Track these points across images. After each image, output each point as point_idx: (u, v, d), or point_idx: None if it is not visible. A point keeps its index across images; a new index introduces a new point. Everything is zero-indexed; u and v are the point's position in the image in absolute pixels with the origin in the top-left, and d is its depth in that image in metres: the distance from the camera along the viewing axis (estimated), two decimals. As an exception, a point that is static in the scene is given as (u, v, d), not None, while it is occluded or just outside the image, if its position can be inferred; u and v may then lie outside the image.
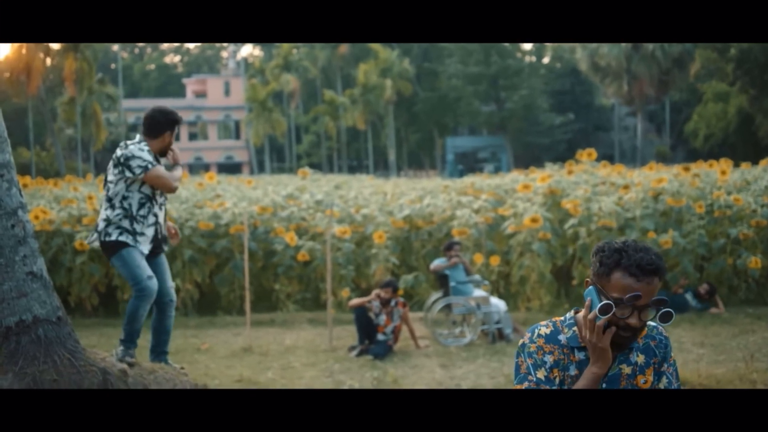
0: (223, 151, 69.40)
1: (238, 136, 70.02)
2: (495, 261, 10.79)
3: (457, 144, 65.32)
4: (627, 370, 2.38)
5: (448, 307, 9.36)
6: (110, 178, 5.91)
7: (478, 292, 9.43)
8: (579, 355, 2.36)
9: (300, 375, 7.81)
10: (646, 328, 2.44)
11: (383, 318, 8.81)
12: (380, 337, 8.73)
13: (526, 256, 10.78)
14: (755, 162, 19.54)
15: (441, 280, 9.58)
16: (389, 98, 58.61)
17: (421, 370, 7.95)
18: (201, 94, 71.61)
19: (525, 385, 2.36)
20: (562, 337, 2.40)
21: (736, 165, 19.08)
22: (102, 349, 5.38)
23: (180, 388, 5.37)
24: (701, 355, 8.36)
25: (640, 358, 2.40)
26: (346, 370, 7.96)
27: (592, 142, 57.16)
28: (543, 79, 62.25)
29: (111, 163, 5.95)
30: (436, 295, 9.80)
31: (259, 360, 8.43)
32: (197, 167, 62.63)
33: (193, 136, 70.27)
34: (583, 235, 10.88)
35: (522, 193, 12.07)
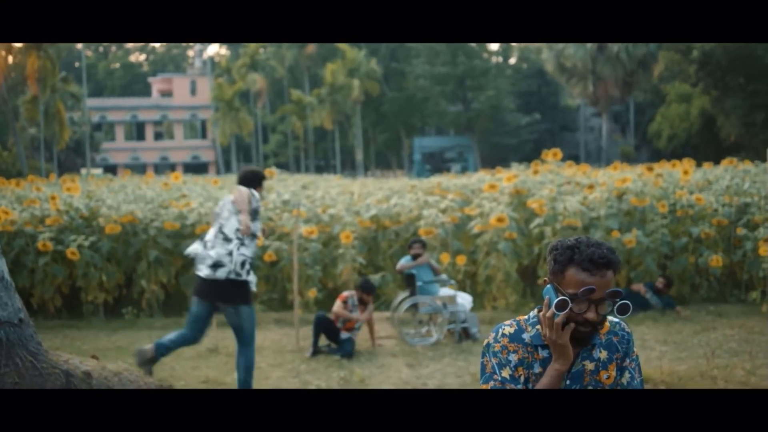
0: (189, 150, 68.86)
1: (204, 136, 69.51)
2: (461, 260, 10.84)
3: (424, 144, 65.49)
4: (590, 366, 2.40)
5: (414, 307, 9.39)
6: (225, 215, 6.56)
7: (445, 292, 9.48)
8: (543, 353, 2.39)
9: (266, 375, 7.79)
10: (609, 325, 2.47)
11: (357, 314, 8.83)
12: (344, 335, 8.73)
13: (492, 256, 10.86)
14: (717, 162, 19.87)
15: (407, 280, 9.60)
16: (356, 98, 58.59)
17: (387, 370, 7.97)
18: (167, 93, 70.97)
19: (490, 385, 2.38)
20: (525, 336, 2.42)
21: (699, 165, 19.41)
22: (65, 351, 5.31)
23: (144, 389, 5.33)
24: (664, 353, 8.48)
25: (603, 354, 2.42)
26: (312, 371, 7.96)
27: (558, 143, 57.72)
28: (510, 80, 62.65)
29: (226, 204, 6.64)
30: (402, 294, 9.82)
31: (225, 361, 8.39)
32: (163, 167, 62.19)
33: (158, 136, 69.64)
34: (548, 235, 10.98)
35: (488, 193, 12.14)
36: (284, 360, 8.43)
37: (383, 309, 10.92)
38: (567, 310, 2.27)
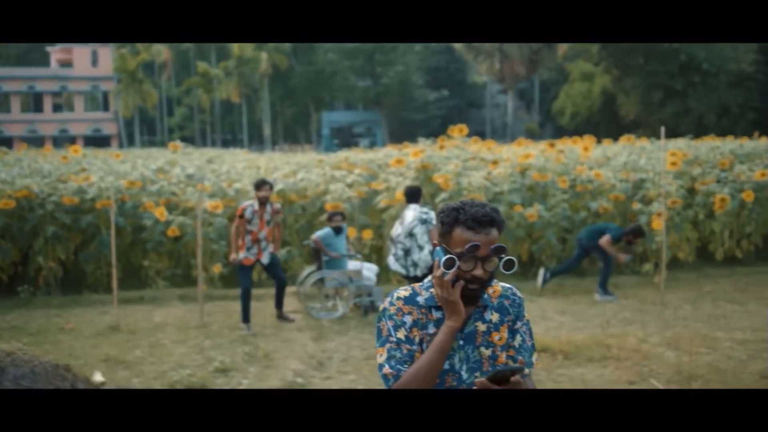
0: (90, 123, 66.53)
1: (106, 108, 67.25)
2: (368, 235, 10.89)
3: (332, 119, 65.21)
4: (482, 327, 2.47)
5: (320, 281, 9.39)
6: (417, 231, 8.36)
7: (351, 266, 9.51)
8: (437, 314, 2.45)
9: (170, 352, 7.67)
10: (500, 289, 2.55)
11: (257, 223, 8.63)
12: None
13: (398, 230, 10.93)
14: (616, 139, 20.49)
15: (315, 254, 9.59)
16: (265, 71, 57.82)
17: (293, 344, 7.96)
18: (66, 64, 68.23)
19: (387, 347, 2.42)
20: (420, 299, 2.48)
21: (599, 142, 20.00)
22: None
23: (40, 369, 5.17)
24: (562, 323, 8.76)
25: (495, 317, 2.50)
26: (217, 347, 7.88)
27: (465, 119, 58.37)
28: (418, 56, 62.85)
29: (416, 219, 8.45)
30: (309, 269, 9.81)
31: (126, 338, 8.23)
32: (62, 140, 59.88)
33: (57, 108, 66.95)
34: (453, 209, 11.12)
35: (395, 168, 12.21)
36: (188, 336, 8.32)
37: (290, 283, 10.88)
38: (455, 269, 2.35)
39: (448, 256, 2.36)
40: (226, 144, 61.76)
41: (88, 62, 67.05)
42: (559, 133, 48.10)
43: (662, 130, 10.50)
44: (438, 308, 2.45)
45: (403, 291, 2.51)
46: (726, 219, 11.98)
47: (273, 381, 6.69)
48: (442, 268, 2.36)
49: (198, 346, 7.90)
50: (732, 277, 11.46)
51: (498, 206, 11.04)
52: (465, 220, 2.37)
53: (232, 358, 7.42)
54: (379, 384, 6.76)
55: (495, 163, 12.52)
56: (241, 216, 8.54)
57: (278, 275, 8.92)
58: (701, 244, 12.47)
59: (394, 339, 2.42)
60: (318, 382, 6.79)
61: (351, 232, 10.72)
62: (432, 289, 2.48)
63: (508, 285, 2.59)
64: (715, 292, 10.40)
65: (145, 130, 67.36)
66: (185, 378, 6.57)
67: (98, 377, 6.56)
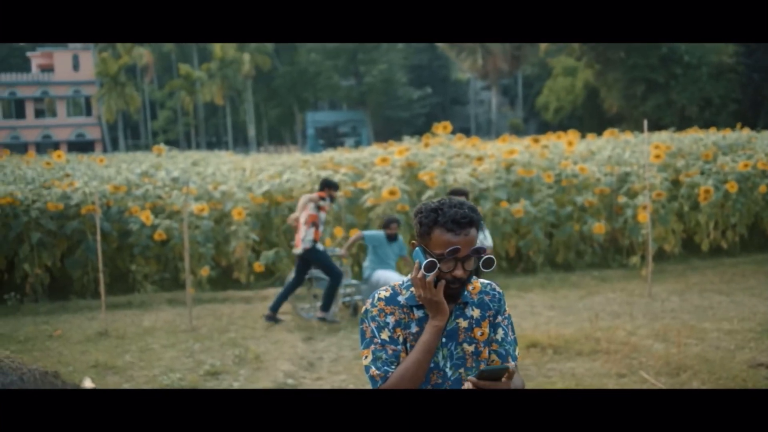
0: (73, 128, 66.06)
1: (89, 113, 66.77)
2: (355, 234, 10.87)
3: (317, 119, 65.12)
4: (464, 324, 2.50)
5: (309, 282, 9.38)
6: None
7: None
8: (418, 313, 2.47)
9: (159, 356, 7.65)
10: (480, 285, 2.59)
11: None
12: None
13: (385, 229, 10.94)
14: (600, 133, 20.57)
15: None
16: (247, 73, 57.64)
17: (282, 345, 7.95)
18: (47, 69, 67.72)
19: (372, 348, 2.44)
20: (401, 299, 2.50)
21: (583, 136, 20.08)
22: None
23: (29, 376, 5.14)
24: (551, 318, 8.79)
25: (476, 312, 2.52)
26: (206, 350, 7.86)
27: (450, 116, 58.52)
28: (401, 54, 62.84)
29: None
30: (297, 270, 9.78)
31: (116, 344, 8.19)
32: (45, 146, 59.48)
33: (40, 113, 66.46)
34: (439, 207, 11.15)
35: (380, 167, 12.22)
36: (177, 340, 8.29)
37: (278, 285, 10.87)
38: (435, 271, 2.38)
39: (429, 259, 2.38)
40: (210, 146, 61.53)
41: (69, 67, 66.59)
42: (544, 128, 48.21)
43: (645, 123, 10.56)
44: (419, 307, 2.47)
45: (384, 291, 2.53)
46: (710, 210, 12.06)
47: (264, 383, 6.68)
48: (422, 271, 2.38)
49: (188, 350, 7.88)
50: (718, 268, 11.53)
51: (484, 202, 11.14)
52: (444, 222, 2.38)
53: (222, 360, 7.40)
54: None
55: (480, 159, 12.54)
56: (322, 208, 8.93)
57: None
58: (687, 236, 12.55)
59: (379, 340, 2.44)
60: (309, 383, 6.79)
61: (338, 231, 10.73)
62: (412, 289, 2.49)
63: (486, 281, 2.63)
64: (701, 284, 10.47)
65: (128, 134, 66.98)
66: (176, 382, 6.56)
67: (88, 383, 6.53)
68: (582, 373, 6.62)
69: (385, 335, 2.44)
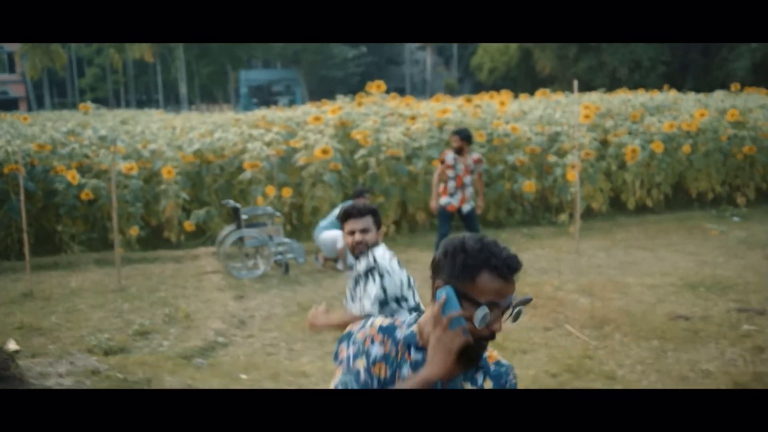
0: (-5, 85, 63.85)
1: (12, 70, 64.49)
2: (287, 193, 10.83)
3: (250, 77, 64.22)
4: (469, 388, 2.08)
5: (240, 240, 9.33)
6: None
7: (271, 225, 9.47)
8: (416, 356, 2.03)
9: (87, 317, 7.53)
10: (497, 356, 2.18)
11: (461, 168, 8.70)
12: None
13: (317, 187, 10.92)
14: (533, 93, 20.77)
15: (234, 213, 9.51)
16: (179, 29, 56.28)
17: (213, 304, 7.91)
18: (-34, 23, 65.11)
19: (342, 369, 2.07)
20: (398, 333, 2.07)
21: (516, 96, 20.23)
22: None
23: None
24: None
25: (488, 384, 2.11)
26: (135, 309, 7.77)
27: (385, 76, 58.24)
28: (336, 12, 62.19)
29: None
30: (228, 228, 9.72)
31: (41, 305, 8.03)
32: (-34, 104, 57.33)
33: (-41, 70, 64.01)
34: (372, 165, 11.16)
35: (313, 125, 12.13)
36: (106, 300, 8.17)
37: (209, 244, 10.77)
38: (486, 322, 1.93)
39: (483, 309, 1.91)
40: (141, 105, 60.12)
41: (-10, 21, 63.96)
42: (478, 88, 48.42)
43: (575, 84, 10.69)
44: (418, 349, 2.03)
45: (384, 319, 2.13)
46: (637, 169, 12.34)
47: (194, 341, 6.64)
48: (452, 313, 1.91)
49: (116, 310, 7.77)
50: (643, 225, 11.86)
51: (417, 161, 11.19)
52: (498, 265, 1.95)
53: (152, 320, 7.33)
54: (307, 346, 6.77)
55: (413, 118, 12.55)
56: (443, 161, 8.73)
57: (474, 227, 8.82)
58: (614, 194, 12.84)
59: (349, 367, 2.05)
60: (240, 341, 6.78)
61: (270, 190, 10.65)
62: (414, 327, 2.06)
63: (506, 362, 2.20)
64: (627, 240, 10.76)
65: (55, 92, 65.00)
66: (103, 342, 6.46)
67: (12, 345, 6.39)
68: (508, 326, 6.76)
69: (360, 365, 2.04)
